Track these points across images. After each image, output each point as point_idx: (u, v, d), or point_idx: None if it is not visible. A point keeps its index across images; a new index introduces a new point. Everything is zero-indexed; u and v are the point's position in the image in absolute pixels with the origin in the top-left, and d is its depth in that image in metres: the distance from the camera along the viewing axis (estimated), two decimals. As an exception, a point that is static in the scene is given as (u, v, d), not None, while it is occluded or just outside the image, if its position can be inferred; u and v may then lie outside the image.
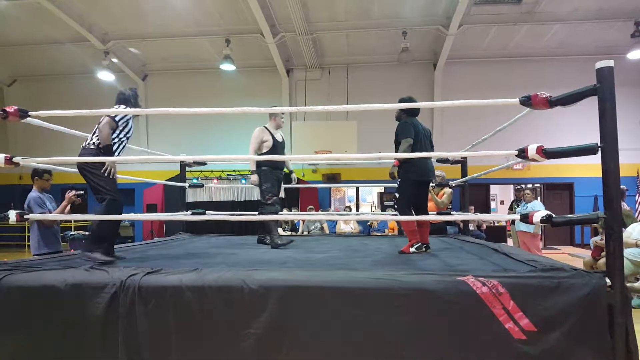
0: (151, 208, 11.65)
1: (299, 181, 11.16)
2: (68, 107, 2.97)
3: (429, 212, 5.64)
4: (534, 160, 2.26)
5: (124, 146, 3.13)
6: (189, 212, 5.01)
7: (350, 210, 12.57)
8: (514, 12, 9.81)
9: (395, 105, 3.24)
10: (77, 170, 2.96)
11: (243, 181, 11.81)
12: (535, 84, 10.72)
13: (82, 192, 4.08)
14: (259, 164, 4.25)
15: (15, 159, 2.68)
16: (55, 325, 2.20)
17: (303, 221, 9.22)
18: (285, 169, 4.70)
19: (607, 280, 1.99)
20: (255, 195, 11.70)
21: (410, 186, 3.63)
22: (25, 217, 2.83)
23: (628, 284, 4.75)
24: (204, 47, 11.44)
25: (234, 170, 12.19)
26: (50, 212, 4.05)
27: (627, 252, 5.05)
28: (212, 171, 11.96)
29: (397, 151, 3.57)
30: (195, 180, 9.73)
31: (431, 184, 5.52)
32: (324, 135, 10.40)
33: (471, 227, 9.36)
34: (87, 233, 7.64)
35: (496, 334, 1.95)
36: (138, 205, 12.38)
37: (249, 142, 4.27)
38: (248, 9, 9.23)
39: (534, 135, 8.83)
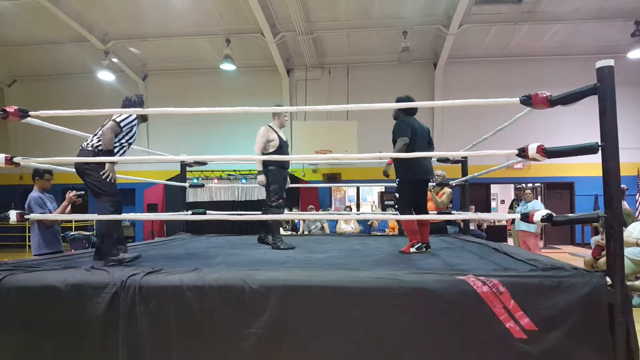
0: (152, 208, 11.65)
1: (300, 181, 11.16)
2: (68, 107, 2.97)
3: (429, 212, 5.66)
4: (534, 159, 2.26)
5: (124, 152, 3.09)
6: (190, 212, 5.01)
7: (351, 209, 12.57)
8: (514, 11, 9.81)
9: (396, 104, 3.24)
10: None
11: (243, 181, 11.81)
12: (536, 83, 10.73)
13: (82, 192, 4.08)
14: (266, 163, 4.13)
15: (15, 159, 2.68)
16: (55, 325, 2.20)
17: (303, 221, 9.22)
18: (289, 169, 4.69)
19: (608, 279, 1.99)
20: (255, 195, 11.73)
21: (409, 186, 3.63)
22: (26, 217, 2.82)
23: (628, 283, 4.76)
24: (204, 47, 11.44)
25: (234, 170, 12.19)
26: (51, 212, 4.05)
27: (628, 251, 5.04)
28: (212, 171, 11.96)
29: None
30: (195, 180, 9.73)
31: (431, 184, 5.54)
32: (325, 135, 10.39)
33: (472, 227, 9.36)
34: (88, 233, 7.66)
35: (497, 333, 1.95)
36: (138, 205, 12.39)
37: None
38: (248, 8, 9.23)
39: (535, 134, 8.83)
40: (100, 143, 2.93)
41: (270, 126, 4.23)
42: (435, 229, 5.81)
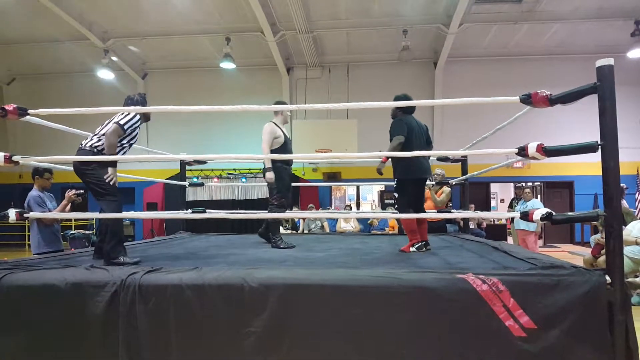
0: (151, 206, 11.65)
1: (300, 180, 11.16)
2: (68, 106, 2.97)
3: (428, 210, 5.66)
4: (534, 158, 2.26)
5: (124, 152, 3.04)
6: (189, 211, 5.01)
7: (351, 208, 12.57)
8: (514, 10, 9.80)
9: (395, 103, 3.24)
10: None
11: (243, 180, 11.81)
12: (536, 82, 10.69)
13: (82, 191, 4.08)
14: (272, 161, 4.01)
15: (14, 158, 2.67)
16: (55, 324, 2.20)
17: (303, 220, 9.22)
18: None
19: (607, 277, 1.99)
20: (255, 193, 11.74)
21: (408, 185, 3.63)
22: (25, 215, 2.82)
23: (628, 280, 4.76)
24: (204, 46, 11.43)
25: (234, 169, 12.19)
26: (50, 211, 4.05)
27: (627, 250, 5.05)
28: (212, 170, 11.96)
29: None
30: (195, 179, 9.73)
31: (431, 182, 5.55)
32: (325, 133, 10.39)
33: (471, 226, 9.36)
34: (88, 232, 7.66)
35: (496, 331, 1.95)
36: (138, 204, 12.38)
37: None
38: (248, 7, 9.22)
39: (534, 133, 8.79)
40: (100, 143, 2.89)
41: (274, 122, 4.13)
42: (435, 228, 5.81)
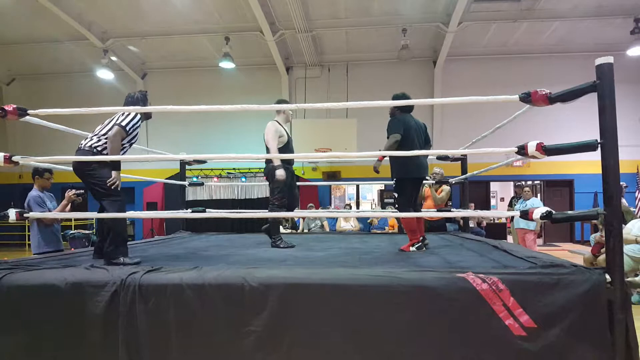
0: (151, 206, 11.65)
1: (299, 179, 11.15)
2: (67, 106, 2.96)
3: (429, 209, 5.67)
4: (533, 157, 2.26)
5: (124, 152, 3.00)
6: (189, 210, 5.01)
7: (351, 207, 12.57)
8: (513, 9, 9.79)
9: (395, 102, 3.24)
10: None
11: (243, 179, 11.81)
12: (535, 80, 10.72)
13: (81, 191, 4.07)
14: (273, 160, 3.91)
15: (14, 158, 2.67)
16: (55, 324, 2.20)
17: (303, 219, 9.22)
18: None
19: (607, 276, 1.99)
20: (255, 193, 11.75)
21: (407, 184, 3.63)
22: (25, 215, 2.82)
23: (628, 279, 4.76)
24: (204, 45, 11.42)
25: (233, 169, 12.19)
26: (50, 211, 4.05)
27: (627, 249, 5.05)
28: (212, 169, 11.96)
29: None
30: (195, 179, 9.73)
31: (431, 181, 5.55)
32: (324, 133, 10.39)
33: (471, 224, 9.36)
34: (88, 232, 7.66)
35: (496, 330, 1.95)
36: (138, 204, 12.39)
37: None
38: (247, 6, 9.22)
39: (534, 132, 8.81)
40: (100, 143, 2.87)
41: (277, 121, 4.08)
42: (435, 227, 5.82)
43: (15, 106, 2.66)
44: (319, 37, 11.05)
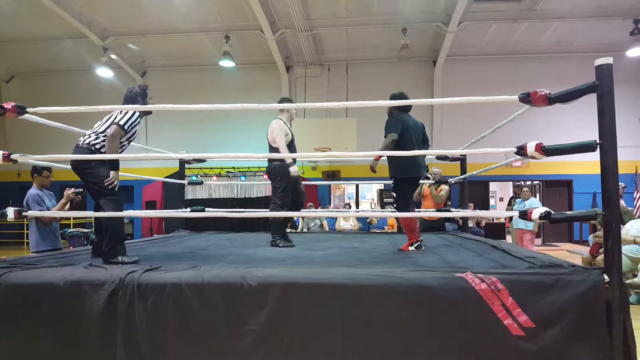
0: (150, 205, 11.64)
1: (299, 178, 11.14)
2: (66, 104, 2.94)
3: (429, 209, 5.69)
4: (532, 157, 2.26)
5: (123, 150, 2.99)
6: (188, 209, 5.01)
7: (350, 207, 12.58)
8: (513, 9, 9.79)
9: (395, 102, 3.24)
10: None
11: (242, 178, 11.81)
12: (535, 81, 10.71)
13: (80, 190, 4.05)
14: (279, 159, 3.88)
15: (13, 156, 2.66)
16: (54, 322, 2.20)
17: (302, 218, 9.21)
18: None
19: (606, 276, 2.00)
20: (254, 192, 11.74)
21: (406, 184, 3.63)
22: (24, 214, 2.81)
23: (628, 281, 4.77)
24: (203, 44, 11.41)
25: (233, 168, 12.18)
26: (49, 210, 4.04)
27: (625, 249, 5.06)
28: (211, 168, 11.95)
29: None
30: (194, 178, 9.73)
31: (430, 181, 5.56)
32: (324, 132, 10.38)
33: (470, 224, 9.37)
34: (86, 231, 7.65)
35: (495, 330, 1.95)
36: (137, 202, 12.37)
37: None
38: (248, 5, 9.21)
39: (533, 132, 8.80)
40: (98, 141, 2.85)
41: (281, 119, 4.04)
42: (434, 227, 5.83)
43: (14, 104, 2.66)
44: (319, 36, 11.04)
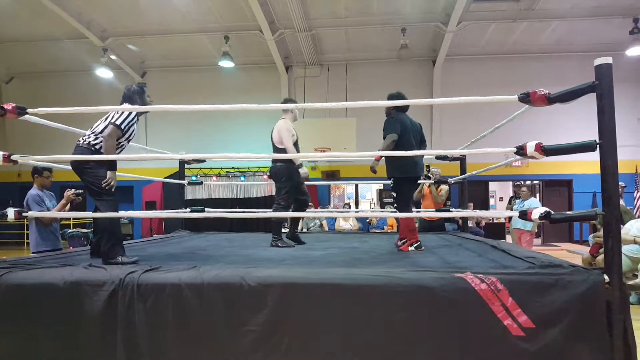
0: (150, 205, 11.64)
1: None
2: (66, 104, 2.94)
3: (429, 209, 5.69)
4: (532, 157, 2.26)
5: (122, 149, 2.99)
6: (188, 210, 5.01)
7: (350, 207, 12.57)
8: (512, 8, 9.79)
9: (395, 102, 3.24)
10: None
11: (242, 178, 11.81)
12: (534, 80, 10.71)
13: (81, 190, 4.05)
14: (281, 159, 3.87)
15: (13, 157, 2.66)
16: (53, 323, 2.20)
17: (302, 218, 9.21)
18: None
19: (606, 276, 1.99)
20: (254, 192, 11.74)
21: (405, 184, 3.64)
22: (24, 214, 2.81)
23: (630, 282, 4.77)
24: (203, 44, 11.41)
25: (232, 168, 12.18)
26: (50, 210, 4.04)
27: (625, 249, 5.06)
28: (210, 168, 11.95)
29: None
30: (194, 178, 9.73)
31: (430, 181, 5.56)
32: (323, 132, 10.37)
33: (470, 224, 9.37)
34: (86, 231, 7.65)
35: (495, 330, 1.95)
36: (137, 203, 12.37)
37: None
38: (247, 5, 9.21)
39: (533, 132, 8.80)
40: (97, 141, 2.85)
41: (286, 120, 4.02)
42: (434, 227, 5.83)
43: (14, 105, 2.66)
44: (318, 36, 11.04)
